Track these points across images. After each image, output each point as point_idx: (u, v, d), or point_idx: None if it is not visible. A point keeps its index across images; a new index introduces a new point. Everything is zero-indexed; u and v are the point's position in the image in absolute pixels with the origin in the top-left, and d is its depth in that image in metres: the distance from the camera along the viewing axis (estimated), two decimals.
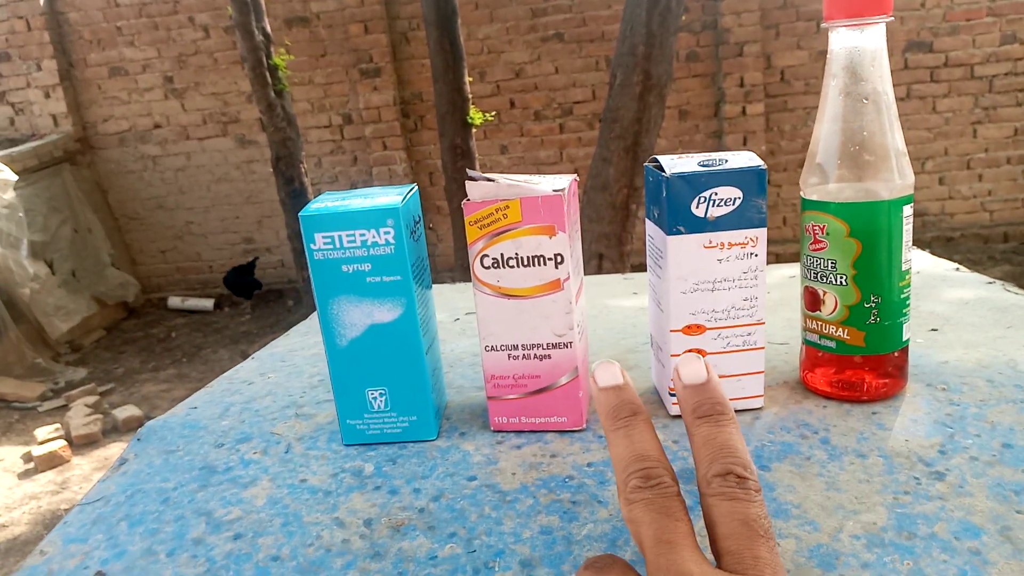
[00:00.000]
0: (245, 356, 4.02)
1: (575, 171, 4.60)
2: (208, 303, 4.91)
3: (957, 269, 0.88)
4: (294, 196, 3.70)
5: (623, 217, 2.94)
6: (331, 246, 0.50)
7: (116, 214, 5.11)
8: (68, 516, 0.51)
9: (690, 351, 0.52)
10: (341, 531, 0.46)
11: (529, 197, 0.49)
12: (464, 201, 0.50)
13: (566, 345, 0.52)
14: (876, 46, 0.49)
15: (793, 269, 0.93)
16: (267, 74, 3.41)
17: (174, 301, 5.00)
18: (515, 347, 0.52)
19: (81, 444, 3.12)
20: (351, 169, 4.86)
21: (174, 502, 0.51)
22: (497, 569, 0.41)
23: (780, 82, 4.45)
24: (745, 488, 0.29)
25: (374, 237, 0.49)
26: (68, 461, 2.99)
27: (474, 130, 3.32)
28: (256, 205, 5.01)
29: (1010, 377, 0.56)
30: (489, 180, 0.50)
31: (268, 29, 3.48)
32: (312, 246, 0.50)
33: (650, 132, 2.85)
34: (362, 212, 0.49)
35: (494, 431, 0.55)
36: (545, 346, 0.52)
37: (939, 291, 0.80)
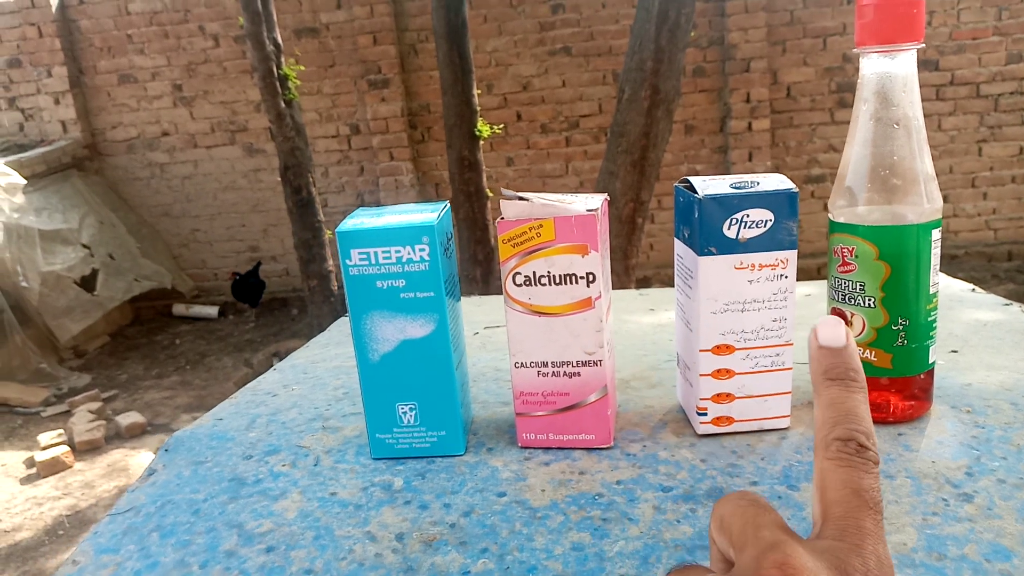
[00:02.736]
0: (249, 364, 4.04)
1: (580, 184, 4.62)
2: (212, 310, 4.92)
3: (973, 290, 0.89)
4: (301, 205, 3.71)
5: (629, 231, 2.95)
6: (367, 262, 0.51)
7: (123, 221, 5.13)
8: (98, 526, 0.52)
9: (719, 370, 0.52)
10: (373, 545, 0.46)
11: (563, 216, 0.49)
12: (498, 219, 0.51)
13: (596, 363, 0.52)
14: (907, 72, 0.50)
15: (808, 287, 0.94)
16: (277, 84, 3.43)
17: (178, 308, 5.01)
18: (545, 364, 0.53)
19: (84, 450, 3.12)
20: (358, 179, 4.88)
21: (205, 513, 0.51)
22: None
23: (786, 98, 4.47)
24: (864, 458, 0.28)
25: (409, 254, 0.50)
26: (71, 467, 2.99)
27: (481, 142, 3.33)
28: (262, 214, 5.03)
29: None
30: (523, 199, 0.50)
31: (279, 39, 3.50)
32: (348, 262, 0.51)
33: (657, 147, 2.87)
34: (398, 229, 0.50)
35: (522, 447, 0.56)
36: (575, 363, 0.52)
37: (956, 312, 0.80)
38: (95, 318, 4.40)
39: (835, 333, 0.31)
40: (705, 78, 4.51)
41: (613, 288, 1.00)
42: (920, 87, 0.49)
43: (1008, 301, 0.83)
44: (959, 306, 0.82)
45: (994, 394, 0.58)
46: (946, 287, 0.90)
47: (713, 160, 4.61)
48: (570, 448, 0.55)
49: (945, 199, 4.46)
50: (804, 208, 4.52)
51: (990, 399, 0.57)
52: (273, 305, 5.02)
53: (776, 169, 4.49)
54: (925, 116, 0.49)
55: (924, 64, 4.27)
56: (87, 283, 4.42)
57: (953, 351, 0.68)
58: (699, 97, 4.53)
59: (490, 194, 3.46)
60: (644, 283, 4.43)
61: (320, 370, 0.76)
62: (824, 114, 4.46)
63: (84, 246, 4.46)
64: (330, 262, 3.83)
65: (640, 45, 2.71)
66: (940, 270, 0.95)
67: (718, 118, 4.56)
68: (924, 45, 0.50)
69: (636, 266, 3.09)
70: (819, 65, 4.41)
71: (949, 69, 4.30)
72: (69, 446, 3.09)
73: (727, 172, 4.47)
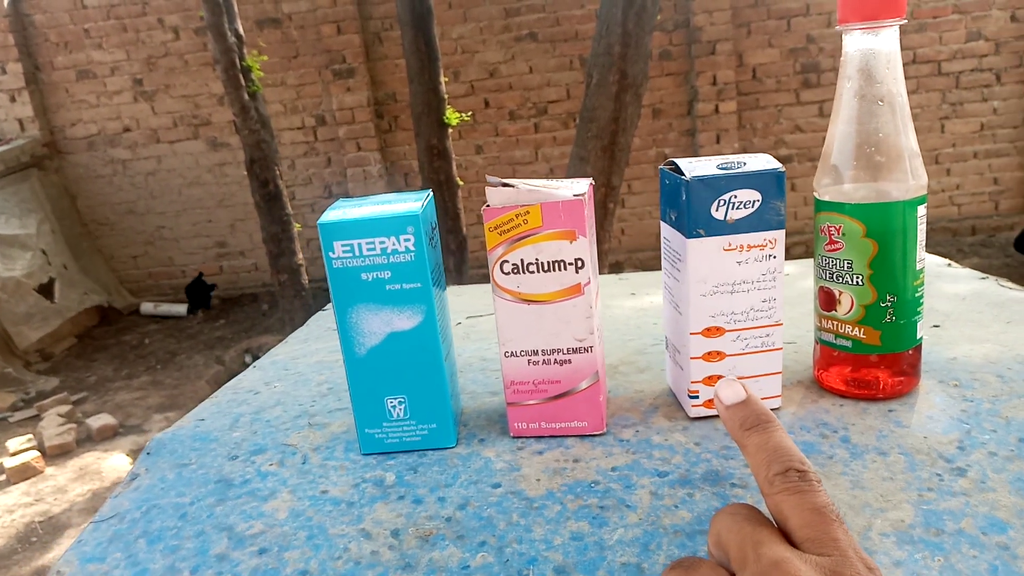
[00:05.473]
0: (220, 361, 3.99)
1: (551, 170, 4.61)
2: (181, 308, 4.85)
3: (949, 265, 0.90)
4: (269, 199, 3.66)
5: (600, 216, 2.95)
6: (350, 254, 0.49)
7: (86, 219, 5.03)
8: (82, 534, 0.50)
9: (710, 353, 0.52)
10: (369, 543, 0.45)
11: (550, 202, 0.49)
12: (484, 207, 0.50)
13: (586, 349, 0.52)
14: (891, 48, 0.49)
15: (789, 267, 0.94)
16: (240, 76, 3.37)
17: (146, 307, 4.93)
18: (535, 352, 0.52)
19: (55, 454, 3.06)
20: (325, 171, 4.83)
21: (192, 517, 0.50)
22: None
23: (752, 80, 4.50)
24: (807, 480, 0.30)
25: (394, 244, 0.49)
26: (41, 472, 2.94)
27: (450, 130, 3.31)
28: (229, 208, 4.96)
29: (1019, 372, 0.57)
30: (508, 185, 0.49)
31: (240, 30, 3.44)
32: (331, 254, 0.49)
33: (627, 131, 2.87)
34: (382, 219, 0.49)
35: (514, 437, 0.55)
36: (565, 351, 0.52)
37: (934, 287, 0.81)
38: (54, 326, 4.31)
39: (735, 391, 0.34)
40: (671, 61, 4.51)
41: None
42: None
43: (983, 275, 0.84)
44: (936, 281, 0.83)
45: (980, 367, 0.59)
46: None
47: (681, 143, 4.63)
48: (562, 436, 0.54)
49: None
50: None
51: (976, 372, 0.58)
52: (243, 301, 4.96)
53: (743, 151, 4.51)
54: None
55: None
56: (45, 290, 4.33)
57: (935, 326, 0.69)
58: (666, 81, 4.54)
59: (460, 183, 3.44)
60: (617, 268, 4.44)
61: (301, 366, 0.75)
62: (790, 95, 4.50)
63: (42, 252, 4.36)
64: (300, 256, 3.78)
65: (607, 29, 2.71)
66: None
67: (685, 101, 4.58)
68: (907, 20, 0.50)
69: (609, 251, 3.10)
70: (784, 46, 4.44)
71: (911, 48, 4.34)
72: (39, 451, 3.03)
73: (695, 155, 4.49)
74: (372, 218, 0.49)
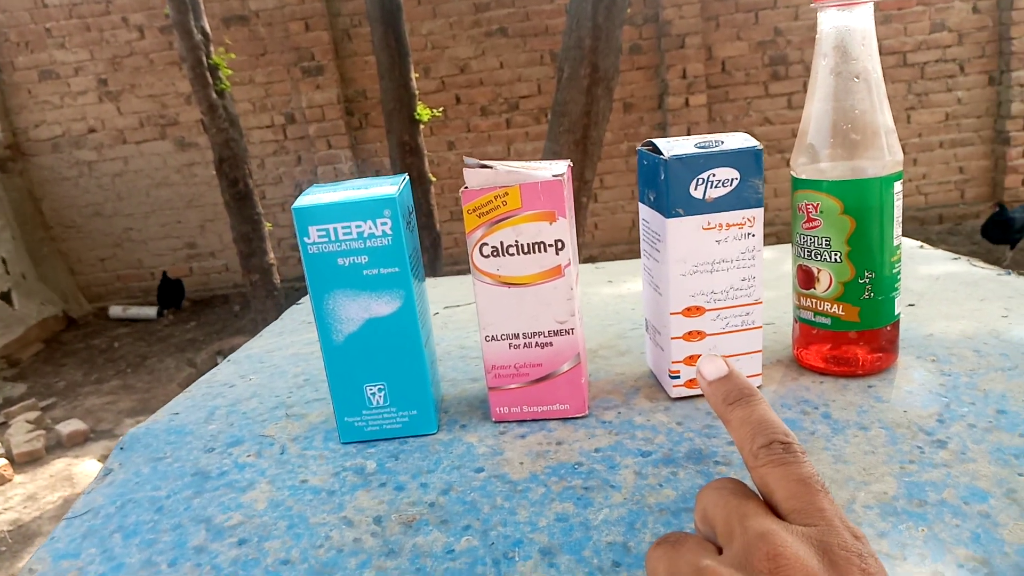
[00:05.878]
0: (192, 364, 3.94)
1: None
2: (151, 311, 4.78)
3: (921, 246, 0.91)
4: (239, 198, 3.61)
5: (575, 210, 2.96)
6: (326, 239, 0.49)
7: (51, 223, 4.93)
8: (55, 531, 0.49)
9: (691, 332, 0.52)
10: (351, 530, 0.45)
11: (529, 183, 0.48)
12: (462, 189, 0.49)
13: (568, 332, 0.51)
14: (865, 25, 0.50)
15: (764, 251, 0.94)
16: (207, 74, 3.33)
17: (115, 310, 4.85)
18: (516, 336, 0.52)
19: (23, 462, 3.00)
20: (295, 169, 4.78)
21: (169, 510, 0.49)
22: (517, 559, 0.41)
23: (721, 73, 4.53)
24: (792, 452, 0.30)
25: (371, 228, 0.48)
26: (10, 480, 2.88)
27: (421, 127, 3.29)
28: (198, 209, 4.89)
29: (995, 346, 0.58)
30: (486, 167, 0.49)
31: (207, 28, 3.39)
32: (306, 239, 0.49)
33: (599, 125, 2.87)
34: (358, 203, 0.48)
35: (495, 422, 0.55)
36: (547, 333, 0.51)
37: (908, 268, 0.81)
38: (18, 332, 4.22)
39: (717, 366, 0.34)
40: (641, 55, 4.53)
41: None
42: None
43: (955, 255, 0.85)
44: (910, 262, 0.84)
45: (956, 343, 0.59)
46: None
47: (653, 137, 4.64)
48: (545, 419, 0.54)
49: None
50: None
51: (953, 348, 0.58)
52: (214, 302, 4.90)
53: None
54: None
55: None
56: (5, 297, 4.23)
57: (911, 305, 0.69)
58: (636, 75, 4.55)
59: (433, 179, 3.42)
60: (590, 262, 4.45)
61: (277, 358, 0.74)
62: (759, 87, 4.53)
63: (2, 260, 4.26)
64: (271, 255, 3.74)
65: (577, 23, 2.71)
66: None
67: (656, 95, 4.59)
68: None
69: (582, 246, 3.10)
70: (752, 39, 4.47)
71: (877, 39, 4.39)
72: (7, 459, 2.97)
73: None
74: (348, 202, 0.48)
